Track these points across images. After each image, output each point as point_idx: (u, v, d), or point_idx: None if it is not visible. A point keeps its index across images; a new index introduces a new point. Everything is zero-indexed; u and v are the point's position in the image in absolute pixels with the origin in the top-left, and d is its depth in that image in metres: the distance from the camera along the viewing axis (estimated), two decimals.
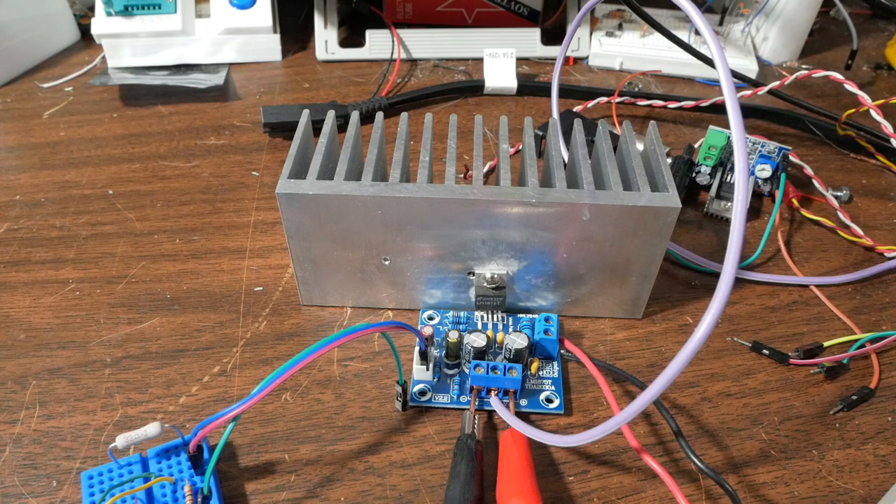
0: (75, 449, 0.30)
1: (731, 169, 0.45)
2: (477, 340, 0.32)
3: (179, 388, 0.33)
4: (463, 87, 0.56)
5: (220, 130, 0.52)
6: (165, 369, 0.34)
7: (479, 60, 0.59)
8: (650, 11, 0.51)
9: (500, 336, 0.35)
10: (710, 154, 0.44)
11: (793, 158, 0.45)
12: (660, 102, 0.53)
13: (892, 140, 0.43)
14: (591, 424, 0.32)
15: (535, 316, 0.35)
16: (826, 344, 0.35)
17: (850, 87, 0.43)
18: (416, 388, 0.32)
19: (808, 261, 0.41)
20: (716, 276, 0.38)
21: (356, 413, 0.32)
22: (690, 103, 0.52)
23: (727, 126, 0.37)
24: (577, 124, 0.36)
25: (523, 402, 0.32)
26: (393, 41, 0.60)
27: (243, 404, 0.26)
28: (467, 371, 0.33)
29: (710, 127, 0.44)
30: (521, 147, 0.43)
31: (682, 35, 0.56)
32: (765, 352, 0.35)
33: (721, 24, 0.64)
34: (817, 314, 0.38)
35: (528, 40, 0.62)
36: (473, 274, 0.35)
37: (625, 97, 0.53)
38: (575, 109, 0.51)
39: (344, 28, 0.64)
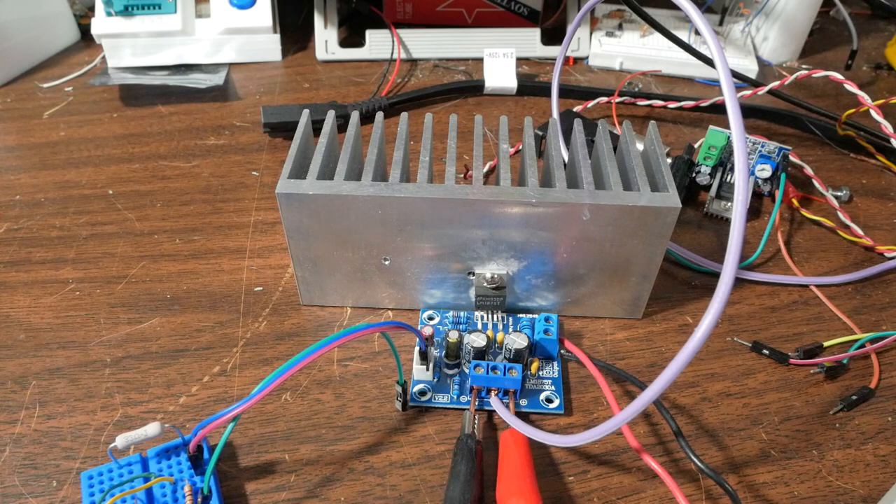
0: (75, 449, 0.30)
1: (731, 169, 0.45)
2: (477, 340, 0.32)
3: (179, 388, 0.33)
4: (463, 87, 0.56)
5: (220, 130, 0.52)
6: (165, 369, 0.34)
7: (479, 60, 0.59)
8: (650, 11, 0.51)
9: (500, 336, 0.35)
10: (710, 154, 0.44)
11: (793, 158, 0.45)
12: (660, 102, 0.53)
13: (892, 140, 0.43)
14: (591, 424, 0.32)
15: (535, 316, 0.35)
16: (826, 344, 0.35)
17: (850, 87, 0.43)
18: (416, 388, 0.32)
19: (808, 261, 0.41)
20: (716, 276, 0.38)
21: (356, 413, 0.32)
22: (690, 103, 0.52)
23: (727, 126, 0.37)
24: (577, 124, 0.36)
25: (523, 402, 0.32)
26: (393, 41, 0.60)
27: (243, 404, 0.26)
28: (467, 371, 0.33)
29: (710, 127, 0.44)
30: (521, 147, 0.43)
31: (682, 35, 0.56)
32: (765, 352, 0.35)
33: (721, 24, 0.64)
34: (817, 314, 0.38)
35: (528, 40, 0.62)
36: (473, 274, 0.35)
37: (625, 97, 0.53)
38: (575, 109, 0.51)
39: (344, 28, 0.64)
